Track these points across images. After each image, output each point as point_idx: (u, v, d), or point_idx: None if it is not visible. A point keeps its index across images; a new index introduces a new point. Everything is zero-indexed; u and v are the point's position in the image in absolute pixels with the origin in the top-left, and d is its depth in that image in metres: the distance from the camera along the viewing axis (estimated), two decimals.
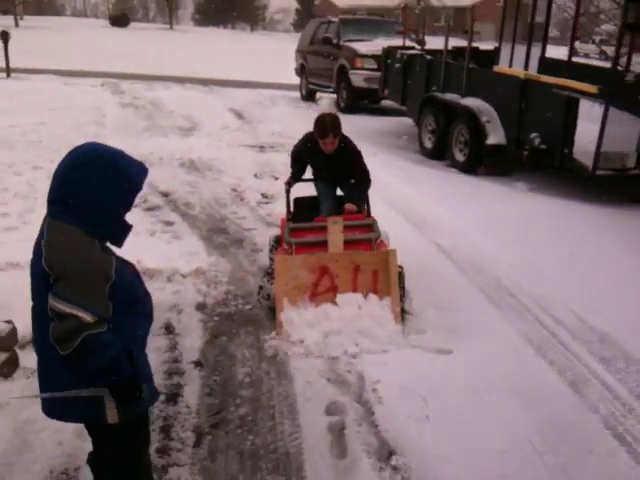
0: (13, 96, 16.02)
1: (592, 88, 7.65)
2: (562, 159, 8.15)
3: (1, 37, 19.77)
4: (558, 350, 4.58)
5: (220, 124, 13.63)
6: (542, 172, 9.30)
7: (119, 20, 63.68)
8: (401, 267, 5.07)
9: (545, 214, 7.62)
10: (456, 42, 12.14)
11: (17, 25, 49.46)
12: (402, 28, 15.99)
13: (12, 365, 4.11)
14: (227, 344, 4.68)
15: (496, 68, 10.44)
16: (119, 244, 2.55)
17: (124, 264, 2.54)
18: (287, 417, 3.80)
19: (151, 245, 6.45)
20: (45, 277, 2.28)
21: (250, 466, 3.39)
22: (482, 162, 9.64)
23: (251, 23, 79.21)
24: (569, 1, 18.96)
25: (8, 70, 20.20)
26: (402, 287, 5.00)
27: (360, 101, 15.76)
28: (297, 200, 5.97)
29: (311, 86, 18.04)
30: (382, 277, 4.86)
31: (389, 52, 12.98)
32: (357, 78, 15.25)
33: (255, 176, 9.38)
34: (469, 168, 9.77)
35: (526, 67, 10.95)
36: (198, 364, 4.40)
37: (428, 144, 11.10)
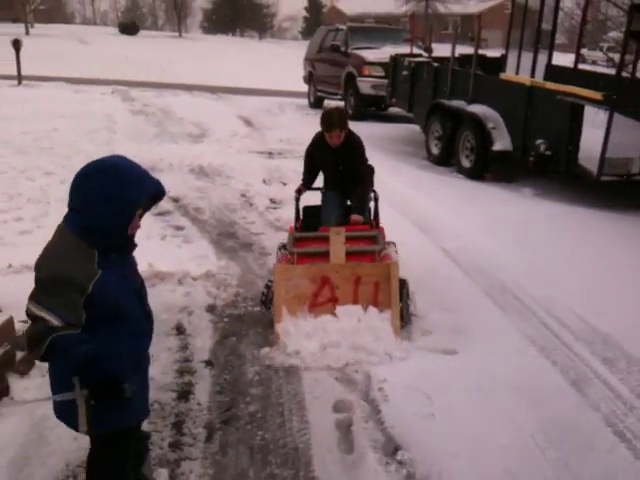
0: (25, 103, 16.25)
1: (597, 95, 7.76)
2: (567, 165, 8.26)
3: (13, 45, 20.00)
4: (561, 351, 4.67)
5: (229, 131, 13.79)
6: (547, 178, 9.40)
7: (128, 28, 64.16)
8: (404, 280, 5.04)
9: (550, 219, 7.72)
10: (464, 49, 12.26)
11: (28, 33, 49.87)
12: (410, 36, 16.14)
13: (28, 363, 4.22)
14: (237, 344, 4.78)
15: (502, 75, 10.56)
16: (113, 259, 2.51)
17: (125, 280, 2.56)
18: (296, 414, 3.90)
19: (162, 249, 6.58)
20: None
21: (260, 460, 3.49)
22: (488, 168, 9.75)
23: (260, 31, 79.69)
24: (577, 8, 19.11)
25: (20, 77, 20.44)
26: (405, 300, 4.94)
27: (368, 108, 15.92)
28: (306, 208, 6.00)
29: (319, 93, 18.20)
30: (383, 289, 4.79)
31: (396, 60, 13.12)
32: (365, 85, 15.39)
33: (264, 182, 9.51)
34: (475, 174, 9.88)
35: (533, 74, 11.05)
36: (209, 363, 4.51)
37: (435, 150, 11.21)
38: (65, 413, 2.57)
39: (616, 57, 17.35)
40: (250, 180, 9.51)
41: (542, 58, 11.69)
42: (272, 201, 8.56)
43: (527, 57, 11.58)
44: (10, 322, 4.17)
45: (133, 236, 2.59)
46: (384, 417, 3.82)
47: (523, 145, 9.08)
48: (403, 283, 4.95)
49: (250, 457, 3.52)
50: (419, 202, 8.44)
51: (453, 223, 7.54)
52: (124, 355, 2.54)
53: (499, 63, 12.45)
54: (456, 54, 11.28)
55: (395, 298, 4.74)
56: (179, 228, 7.43)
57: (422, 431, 3.67)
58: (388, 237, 5.73)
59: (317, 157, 5.77)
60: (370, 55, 15.65)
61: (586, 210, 8.14)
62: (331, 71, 17.03)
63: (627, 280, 5.98)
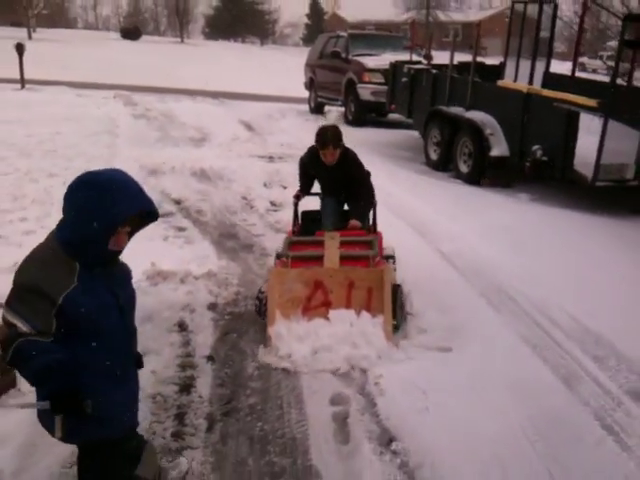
0: (28, 107, 16.37)
1: (592, 102, 7.90)
2: (563, 170, 8.40)
3: (16, 49, 20.15)
4: (553, 349, 4.80)
5: (230, 135, 13.93)
6: (544, 183, 9.54)
7: (131, 33, 64.47)
8: (399, 285, 5.11)
9: (545, 223, 7.85)
10: (464, 57, 12.41)
11: (30, 37, 50.04)
12: (410, 43, 16.29)
13: None
14: (237, 340, 4.92)
15: (500, 82, 10.70)
16: (95, 273, 2.51)
17: (106, 295, 2.53)
18: (294, 407, 4.04)
19: (164, 249, 6.72)
20: None
21: (259, 450, 3.62)
22: (486, 173, 9.88)
23: (261, 37, 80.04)
24: (576, 17, 19.28)
25: (23, 81, 20.59)
26: (400, 305, 5.00)
27: (367, 114, 16.04)
28: (305, 213, 6.08)
29: (320, 99, 18.34)
30: (377, 295, 4.81)
31: (396, 66, 13.27)
32: (365, 92, 15.53)
33: (264, 185, 9.64)
34: (473, 179, 10.01)
35: (530, 82, 11.17)
36: (210, 358, 4.64)
37: (433, 156, 11.36)
38: (43, 418, 2.60)
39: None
40: (251, 183, 9.64)
41: (540, 66, 11.82)
42: (272, 204, 8.70)
43: (525, 65, 11.69)
44: None
45: (118, 252, 2.58)
46: (379, 410, 3.96)
47: (520, 151, 9.22)
48: (396, 288, 5.00)
49: (250, 447, 3.65)
50: (417, 206, 8.57)
51: (450, 226, 7.67)
52: (98, 370, 2.54)
53: (497, 70, 12.59)
54: (455, 61, 11.44)
55: (388, 304, 4.76)
56: (181, 229, 7.56)
57: (416, 423, 3.81)
58: (386, 240, 5.87)
59: (311, 171, 5.82)
60: (370, 62, 15.79)
61: (581, 215, 8.27)
62: (332, 77, 17.19)
63: (619, 282, 6.09)
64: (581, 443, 3.67)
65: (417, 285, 5.60)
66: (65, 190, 2.47)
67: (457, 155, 10.49)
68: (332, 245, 5.07)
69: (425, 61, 14.43)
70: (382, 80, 14.98)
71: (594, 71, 36.45)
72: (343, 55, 16.63)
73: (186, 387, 4.24)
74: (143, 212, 2.55)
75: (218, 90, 22.87)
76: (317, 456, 3.54)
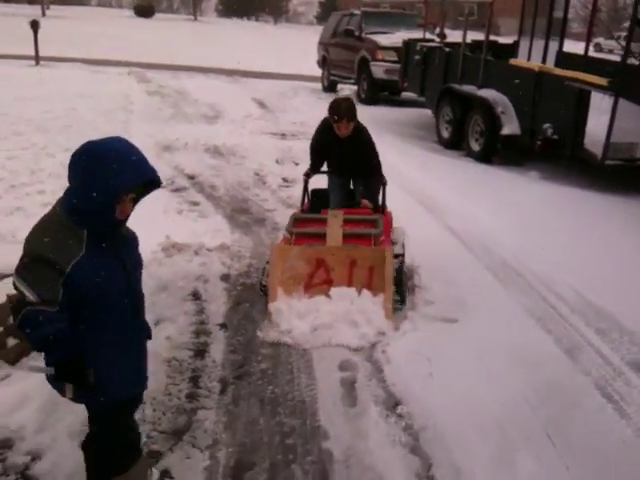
0: (43, 83, 16.55)
1: (602, 80, 7.94)
2: (573, 149, 8.48)
3: (31, 26, 20.28)
4: (557, 322, 4.92)
5: (243, 113, 14.04)
6: (554, 162, 9.60)
7: (144, 10, 64.31)
8: (401, 259, 5.18)
9: (555, 201, 7.95)
10: (478, 36, 12.41)
11: (44, 14, 50.07)
12: (423, 21, 16.28)
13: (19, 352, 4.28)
14: (249, 310, 5.07)
15: (512, 61, 10.71)
16: (103, 241, 2.53)
17: (114, 264, 2.56)
18: (304, 372, 4.19)
19: (179, 222, 6.87)
20: None
21: (270, 411, 3.78)
22: (497, 151, 9.95)
23: (274, 15, 79.58)
24: None
25: (37, 58, 20.72)
26: (402, 282, 5.05)
27: (380, 92, 16.09)
28: (315, 191, 6.08)
29: (332, 77, 18.38)
30: (378, 273, 4.82)
31: (409, 44, 13.31)
32: (378, 70, 15.57)
33: (277, 162, 9.77)
34: (484, 157, 10.09)
35: (544, 61, 11.18)
36: (223, 326, 4.79)
37: (445, 134, 11.42)
38: (52, 379, 2.63)
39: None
40: (263, 160, 9.76)
41: (554, 45, 11.82)
42: (284, 180, 8.82)
43: (539, 44, 11.72)
44: (4, 306, 4.09)
45: (124, 221, 2.59)
46: (386, 376, 4.11)
47: (531, 129, 9.28)
48: (400, 264, 5.07)
49: (260, 408, 3.81)
50: (427, 183, 8.67)
51: (460, 203, 7.77)
52: (104, 338, 2.58)
53: (511, 49, 12.59)
54: (469, 40, 11.46)
55: (389, 282, 4.77)
56: (195, 204, 7.71)
57: (421, 389, 3.95)
58: (396, 217, 5.97)
59: (322, 145, 5.74)
60: (384, 40, 15.81)
61: (591, 193, 8.35)
62: (345, 55, 17.21)
63: (625, 260, 6.19)
64: (580, 409, 3.80)
65: (425, 259, 5.72)
66: (71, 158, 2.47)
67: (469, 133, 10.55)
68: (335, 223, 5.08)
69: (438, 39, 14.44)
70: (395, 58, 15.02)
71: (610, 52, 36.11)
72: (356, 33, 16.64)
73: (200, 352, 4.40)
74: (147, 180, 2.55)
75: (231, 68, 22.92)
76: (325, 417, 3.69)
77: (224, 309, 5.07)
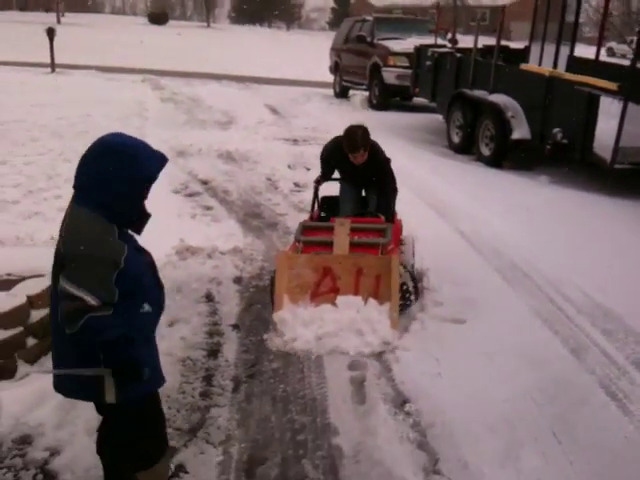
0: (59, 90, 16.79)
1: (612, 85, 8.00)
2: (582, 153, 8.54)
3: (47, 34, 20.55)
4: (564, 322, 4.99)
5: (256, 119, 14.18)
6: (564, 166, 9.66)
7: (158, 18, 64.85)
8: (410, 271, 5.13)
9: (564, 204, 8.02)
10: (490, 41, 12.47)
11: (59, 22, 50.61)
12: (435, 27, 16.36)
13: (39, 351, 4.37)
14: (261, 311, 5.17)
15: (522, 66, 10.79)
16: (138, 231, 2.65)
17: (139, 253, 2.67)
18: (314, 371, 4.29)
19: (192, 226, 7.00)
20: (61, 259, 2.46)
21: (281, 408, 3.89)
22: (507, 156, 10.02)
23: (287, 21, 79.97)
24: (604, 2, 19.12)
25: (53, 65, 20.99)
26: (408, 291, 4.98)
27: (392, 98, 16.19)
28: (325, 199, 6.07)
29: (344, 83, 18.48)
30: (385, 282, 4.78)
31: (421, 50, 13.40)
32: (389, 75, 15.66)
33: (289, 167, 9.89)
34: (494, 162, 10.16)
35: (555, 66, 11.24)
36: (235, 327, 4.91)
37: (456, 139, 11.50)
38: (84, 387, 2.62)
39: None
40: (275, 165, 9.89)
41: (565, 50, 11.88)
42: (296, 185, 8.94)
43: (550, 49, 11.78)
44: (24, 307, 4.22)
45: (144, 209, 2.67)
46: (395, 375, 4.21)
47: (541, 134, 9.35)
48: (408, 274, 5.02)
49: (272, 405, 3.92)
50: (438, 187, 8.76)
51: (470, 207, 7.86)
52: (148, 332, 2.70)
53: (522, 54, 12.67)
54: (480, 45, 11.55)
55: (395, 291, 4.74)
56: (208, 208, 7.84)
57: (429, 387, 4.04)
58: (406, 221, 6.05)
59: (334, 163, 5.71)
60: (395, 46, 15.91)
61: (600, 197, 8.41)
62: (357, 61, 17.32)
63: (633, 263, 6.24)
64: (586, 406, 3.88)
65: (435, 261, 5.81)
66: (84, 160, 2.55)
67: (479, 138, 10.63)
68: (342, 232, 5.05)
69: (450, 45, 14.52)
70: (407, 64, 15.11)
71: (623, 56, 36.05)
72: (368, 39, 16.75)
73: (213, 352, 4.51)
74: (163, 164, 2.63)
75: (244, 74, 23.10)
76: (335, 415, 3.79)
77: (237, 310, 5.18)
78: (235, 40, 45.62)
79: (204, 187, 8.74)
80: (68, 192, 8.20)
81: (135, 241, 2.69)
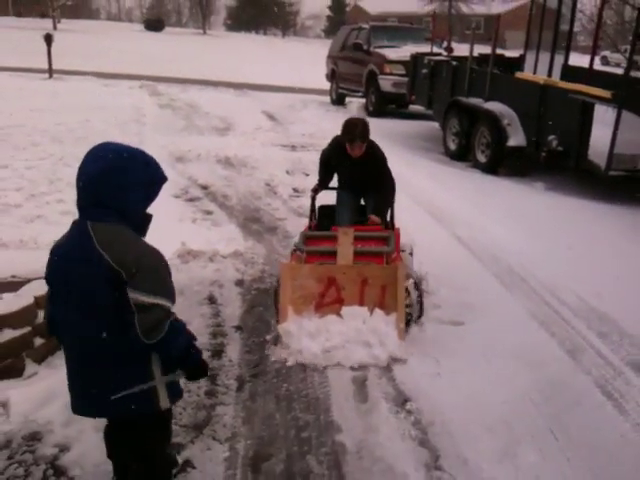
0: (57, 96, 16.86)
1: (606, 93, 8.14)
2: (577, 160, 8.68)
3: (45, 40, 20.65)
4: (560, 325, 5.10)
5: (254, 125, 14.31)
6: (558, 172, 9.80)
7: (154, 24, 65.00)
8: (416, 282, 5.03)
9: (560, 211, 8.15)
10: (485, 49, 12.62)
11: (55, 28, 50.64)
12: (431, 35, 16.52)
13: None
14: (263, 313, 5.26)
15: (517, 74, 10.93)
16: (143, 233, 2.65)
17: None
18: (317, 370, 4.37)
19: (193, 231, 7.08)
20: (111, 277, 2.39)
21: (285, 406, 3.97)
22: (503, 163, 10.15)
23: (283, 29, 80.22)
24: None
25: (51, 71, 21.08)
26: (415, 302, 4.91)
27: (388, 105, 16.33)
28: (322, 208, 5.98)
29: (341, 90, 18.63)
30: (390, 292, 4.69)
31: (417, 58, 13.55)
32: (386, 83, 15.82)
33: (287, 172, 10.00)
34: (490, 168, 10.30)
35: (549, 74, 11.39)
36: (238, 328, 4.99)
37: (452, 146, 11.64)
38: (136, 401, 2.58)
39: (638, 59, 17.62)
40: (274, 171, 9.99)
41: (559, 58, 12.04)
42: (295, 190, 9.04)
43: (545, 57, 11.94)
44: (31, 307, 4.25)
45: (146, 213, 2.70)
46: (396, 375, 4.30)
47: (536, 141, 9.48)
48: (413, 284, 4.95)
49: (276, 404, 4.00)
50: (435, 193, 8.88)
51: (467, 213, 7.97)
52: None
53: (517, 63, 12.82)
54: (476, 54, 11.70)
55: (401, 301, 4.67)
56: (208, 212, 7.93)
57: (429, 387, 4.14)
58: (404, 227, 6.11)
59: (334, 162, 5.73)
60: (391, 53, 16.07)
61: (595, 204, 8.55)
62: (353, 69, 17.48)
63: (627, 267, 6.37)
64: (582, 407, 3.98)
65: (433, 266, 5.88)
66: (100, 174, 2.49)
67: (475, 145, 10.76)
68: (346, 241, 4.96)
69: (445, 53, 14.67)
70: (403, 72, 15.26)
71: (617, 65, 36.36)
72: (365, 47, 16.91)
73: (217, 352, 4.60)
74: None
75: (241, 81, 23.23)
76: (338, 413, 3.88)
77: (239, 312, 5.27)
78: (231, 47, 45.82)
79: (204, 192, 8.83)
80: (70, 196, 8.30)
81: None
